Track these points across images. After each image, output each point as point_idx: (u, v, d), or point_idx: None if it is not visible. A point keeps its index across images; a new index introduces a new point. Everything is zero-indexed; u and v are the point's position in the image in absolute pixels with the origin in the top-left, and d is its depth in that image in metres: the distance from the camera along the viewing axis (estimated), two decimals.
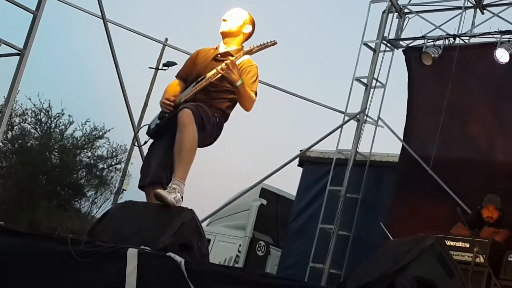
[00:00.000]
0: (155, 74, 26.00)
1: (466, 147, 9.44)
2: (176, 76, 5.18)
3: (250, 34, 5.05)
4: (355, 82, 10.65)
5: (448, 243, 6.76)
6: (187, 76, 5.08)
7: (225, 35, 5.01)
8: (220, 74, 4.72)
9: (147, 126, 5.03)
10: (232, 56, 4.85)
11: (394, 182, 9.99)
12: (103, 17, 8.45)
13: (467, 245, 6.98)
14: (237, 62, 4.75)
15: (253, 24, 5.03)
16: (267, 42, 4.75)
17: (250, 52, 4.81)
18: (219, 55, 4.99)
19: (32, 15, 7.00)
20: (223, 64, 4.66)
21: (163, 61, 25.89)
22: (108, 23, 8.63)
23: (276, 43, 4.74)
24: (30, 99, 23.81)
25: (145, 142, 5.01)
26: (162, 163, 4.75)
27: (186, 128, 4.52)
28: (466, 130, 9.51)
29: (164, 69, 25.77)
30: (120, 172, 25.41)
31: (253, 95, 4.82)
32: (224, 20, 4.97)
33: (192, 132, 4.53)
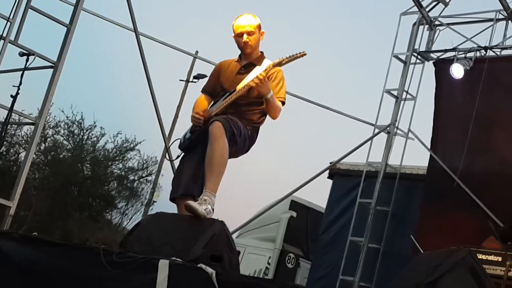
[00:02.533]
0: (186, 87, 26.13)
1: (494, 159, 9.35)
2: (202, 91, 5.24)
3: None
4: (386, 94, 10.60)
5: (480, 256, 6.68)
6: (213, 90, 5.15)
7: (249, 53, 5.07)
8: (249, 86, 4.77)
9: (179, 140, 5.08)
10: (255, 65, 4.94)
11: (422, 194, 9.91)
12: (135, 30, 8.50)
13: (499, 258, 6.87)
14: (262, 71, 4.78)
15: (261, 25, 5.09)
16: (297, 54, 4.77)
17: (279, 64, 4.84)
18: (242, 69, 5.06)
19: (65, 28, 7.07)
20: (256, 79, 4.70)
21: (194, 73, 26.04)
22: (140, 36, 8.68)
23: (305, 54, 4.76)
24: (63, 111, 24.09)
25: (178, 156, 5.07)
26: (194, 175, 4.78)
27: (217, 141, 4.56)
28: (493, 141, 9.42)
29: (195, 82, 25.87)
30: (150, 184, 25.52)
31: (280, 103, 4.88)
32: (245, 42, 5.01)
33: (222, 145, 4.56)
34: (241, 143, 4.81)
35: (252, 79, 4.74)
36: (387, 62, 10.63)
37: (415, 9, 10.58)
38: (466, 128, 9.39)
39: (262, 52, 5.13)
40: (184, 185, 4.80)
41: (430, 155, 9.97)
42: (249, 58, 5.08)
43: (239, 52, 5.14)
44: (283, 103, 4.94)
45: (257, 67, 4.95)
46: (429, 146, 10.16)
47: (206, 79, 5.42)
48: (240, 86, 4.85)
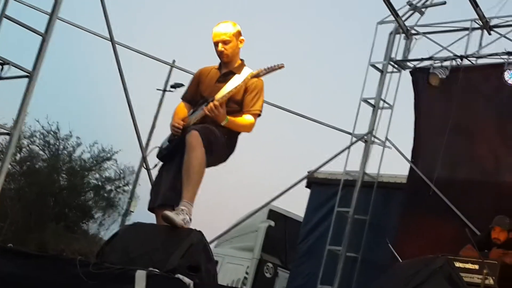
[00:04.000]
0: (163, 96, 26.12)
1: (473, 167, 9.41)
2: (182, 99, 5.23)
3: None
4: (363, 103, 10.65)
5: (457, 264, 6.71)
6: (192, 98, 5.14)
7: (226, 62, 5.07)
8: (232, 91, 4.81)
9: (157, 149, 5.07)
10: (234, 74, 4.96)
11: (401, 203, 9.95)
12: (111, 39, 8.48)
13: (477, 266, 6.92)
14: (241, 82, 4.82)
15: (240, 31, 5.05)
16: (274, 66, 4.80)
17: (257, 76, 4.86)
18: (221, 77, 5.05)
19: (41, 37, 7.03)
20: (208, 107, 4.74)
21: (171, 82, 26.02)
22: (116, 44, 8.66)
23: (283, 66, 4.79)
24: (38, 121, 23.91)
25: (155, 166, 5.05)
26: (172, 185, 4.76)
27: (193, 150, 4.55)
28: (473, 150, 9.48)
29: (172, 91, 25.88)
30: (127, 194, 25.41)
31: (251, 119, 4.89)
32: (220, 52, 4.99)
33: (199, 154, 4.55)
34: (218, 152, 4.80)
35: (206, 106, 4.77)
36: (364, 70, 10.71)
37: (392, 18, 10.65)
38: (445, 137, 9.44)
39: (242, 60, 5.11)
40: (162, 195, 4.79)
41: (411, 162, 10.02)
42: (228, 66, 5.07)
43: (216, 61, 5.14)
44: (259, 115, 4.95)
45: (237, 76, 4.96)
46: (406, 155, 10.21)
47: (184, 88, 5.41)
48: (218, 95, 4.84)
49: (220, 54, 5.02)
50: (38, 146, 24.37)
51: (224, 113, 4.77)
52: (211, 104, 4.74)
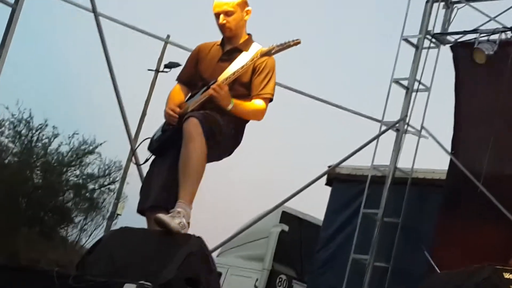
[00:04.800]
0: (155, 77, 26.18)
1: None
2: (177, 80, 5.24)
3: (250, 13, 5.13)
4: (394, 85, 10.64)
5: (507, 276, 6.71)
6: (190, 79, 5.16)
7: (229, 37, 5.09)
8: (239, 72, 4.83)
9: (149, 140, 5.07)
10: (241, 51, 4.99)
11: (440, 203, 9.95)
12: (94, 10, 8.49)
13: None
14: (248, 60, 4.83)
15: (246, 0, 5.09)
16: (289, 41, 4.81)
17: (268, 54, 4.87)
18: (225, 55, 5.06)
19: (10, 8, 7.06)
20: (210, 89, 4.75)
21: (165, 61, 26.05)
22: (100, 17, 8.67)
23: (299, 42, 4.80)
24: (7, 108, 24.03)
25: (146, 160, 5.06)
26: (166, 183, 4.77)
27: (192, 141, 4.56)
28: None
29: (166, 71, 25.93)
30: (114, 193, 25.54)
31: (261, 105, 4.92)
32: (222, 24, 5.01)
33: (199, 146, 4.56)
34: (222, 144, 4.81)
35: (212, 86, 4.77)
36: (396, 47, 10.69)
37: None
38: (492, 124, 9.43)
39: (250, 35, 5.13)
40: (154, 195, 4.80)
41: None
42: (233, 42, 5.09)
43: (216, 35, 5.16)
44: (271, 100, 4.97)
45: (243, 53, 4.98)
46: (448, 145, 10.19)
47: (180, 68, 5.42)
48: (222, 77, 4.86)
49: (221, 27, 5.03)
50: (7, 138, 24.50)
51: (229, 96, 4.79)
52: (213, 86, 4.75)
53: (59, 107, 35.83)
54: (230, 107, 4.79)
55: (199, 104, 4.85)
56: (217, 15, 5.03)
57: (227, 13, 5.00)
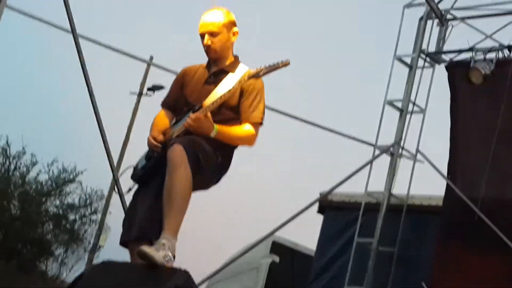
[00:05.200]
0: (138, 101, 26.18)
1: None
2: (162, 105, 5.26)
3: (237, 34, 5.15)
4: (387, 106, 10.64)
5: None
6: (175, 103, 5.17)
7: (214, 59, 5.11)
8: (225, 95, 4.84)
9: (132, 168, 5.08)
10: (227, 73, 5.01)
11: (437, 230, 9.92)
12: (72, 31, 8.48)
13: None
14: (236, 83, 4.85)
15: (234, 21, 5.12)
16: (278, 63, 4.83)
17: (255, 76, 4.88)
18: (211, 77, 5.08)
19: None
20: (188, 120, 4.75)
21: (148, 84, 26.07)
22: (80, 38, 8.66)
23: (288, 63, 4.81)
24: None
25: (129, 189, 5.05)
26: (150, 213, 4.75)
27: (176, 169, 4.54)
28: None
29: (149, 95, 25.93)
30: (95, 224, 25.41)
31: (250, 130, 4.92)
32: (207, 46, 5.04)
33: (184, 174, 4.54)
34: (208, 172, 4.80)
35: (188, 117, 4.77)
36: (388, 66, 10.71)
37: None
38: (490, 146, 9.42)
39: (236, 57, 5.16)
40: (138, 226, 4.78)
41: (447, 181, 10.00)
42: (219, 64, 5.11)
43: (202, 57, 5.17)
44: (261, 124, 4.97)
45: (230, 75, 4.99)
46: (444, 170, 10.18)
47: (164, 91, 5.42)
48: (208, 101, 4.86)
49: (206, 48, 5.06)
50: None
51: (210, 123, 4.78)
52: (192, 116, 4.75)
53: (37, 134, 35.70)
54: (213, 134, 4.79)
55: (184, 131, 4.84)
56: (202, 36, 5.06)
57: (212, 34, 5.03)
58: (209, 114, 4.76)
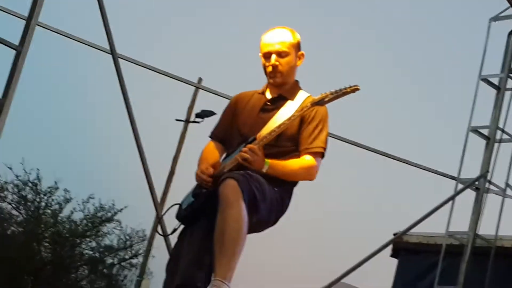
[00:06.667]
0: (185, 129, 26.24)
1: None
2: (211, 137, 5.29)
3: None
4: (472, 134, 10.59)
5: None
6: (226, 135, 5.21)
7: (277, 84, 5.13)
8: (285, 124, 4.84)
9: (178, 206, 5.09)
10: (286, 100, 5.04)
11: None
12: (112, 51, 8.59)
13: None
14: (296, 110, 4.87)
15: (300, 43, 5.15)
16: (346, 88, 4.80)
17: (321, 103, 4.87)
18: (268, 104, 5.10)
19: (15, 51, 7.16)
20: (242, 154, 4.76)
21: (196, 110, 26.16)
22: (120, 59, 8.76)
23: (358, 88, 4.76)
24: (11, 168, 24.25)
25: (174, 230, 5.05)
26: (198, 257, 4.77)
27: (230, 206, 4.54)
28: None
29: (198, 122, 25.98)
30: (136, 269, 25.51)
31: (309, 162, 4.93)
32: (274, 66, 5.04)
33: (238, 212, 4.54)
34: (266, 211, 4.80)
35: (239, 153, 4.79)
36: (473, 88, 10.66)
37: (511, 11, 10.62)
38: None
39: (297, 82, 5.19)
40: (183, 271, 4.79)
41: None
42: (279, 89, 5.13)
43: (264, 81, 5.18)
44: (322, 155, 4.99)
45: (289, 103, 5.02)
46: None
47: (215, 118, 5.45)
48: (264, 132, 4.89)
49: (272, 71, 5.06)
50: (10, 204, 24.67)
51: (261, 158, 4.79)
52: (247, 148, 4.76)
53: (71, 167, 36.03)
54: (265, 169, 4.80)
55: (236, 164, 4.85)
56: (267, 56, 5.07)
57: (280, 54, 5.05)
58: (260, 152, 4.77)
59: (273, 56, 5.03)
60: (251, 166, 4.76)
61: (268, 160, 4.80)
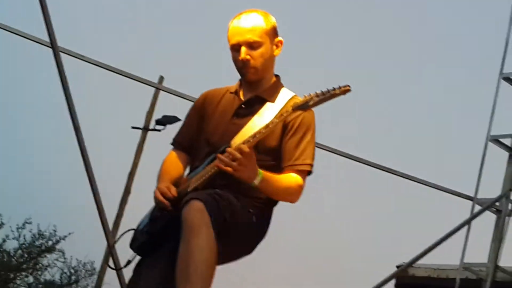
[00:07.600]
0: (144, 138, 26.23)
1: None
2: (173, 146, 5.23)
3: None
4: (491, 144, 10.63)
5: None
6: (192, 143, 5.14)
7: (252, 81, 5.04)
8: (262, 133, 4.69)
9: (132, 232, 5.05)
10: (265, 101, 4.95)
11: None
12: (52, 44, 8.59)
13: None
14: (276, 116, 4.79)
15: (276, 27, 5.04)
16: (335, 89, 4.59)
17: (303, 107, 4.69)
18: (243, 106, 5.02)
19: None
20: (222, 159, 4.61)
21: (156, 115, 26.16)
22: (62, 53, 8.77)
23: (348, 89, 4.55)
24: None
25: (129, 262, 5.03)
26: None
27: (195, 234, 4.50)
28: None
29: (159, 130, 25.95)
30: None
31: (296, 180, 4.84)
32: (244, 61, 4.93)
33: (206, 241, 4.51)
34: (239, 236, 4.79)
35: (218, 157, 4.65)
36: (492, 89, 10.70)
37: None
38: None
39: (277, 77, 5.11)
40: None
41: None
42: (255, 87, 5.04)
43: (236, 76, 5.11)
44: (309, 173, 4.90)
45: (269, 105, 4.95)
46: None
47: (179, 124, 5.41)
48: (237, 141, 4.76)
49: (242, 66, 4.97)
50: None
51: (254, 165, 4.68)
52: (233, 151, 4.61)
53: (2, 183, 36.01)
54: (256, 181, 4.68)
55: (205, 180, 4.80)
56: (235, 48, 4.98)
57: (252, 45, 4.94)
58: (251, 154, 4.62)
59: (243, 49, 4.92)
60: (238, 175, 4.64)
61: (262, 171, 4.69)
